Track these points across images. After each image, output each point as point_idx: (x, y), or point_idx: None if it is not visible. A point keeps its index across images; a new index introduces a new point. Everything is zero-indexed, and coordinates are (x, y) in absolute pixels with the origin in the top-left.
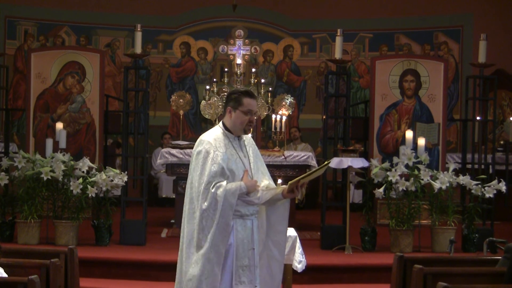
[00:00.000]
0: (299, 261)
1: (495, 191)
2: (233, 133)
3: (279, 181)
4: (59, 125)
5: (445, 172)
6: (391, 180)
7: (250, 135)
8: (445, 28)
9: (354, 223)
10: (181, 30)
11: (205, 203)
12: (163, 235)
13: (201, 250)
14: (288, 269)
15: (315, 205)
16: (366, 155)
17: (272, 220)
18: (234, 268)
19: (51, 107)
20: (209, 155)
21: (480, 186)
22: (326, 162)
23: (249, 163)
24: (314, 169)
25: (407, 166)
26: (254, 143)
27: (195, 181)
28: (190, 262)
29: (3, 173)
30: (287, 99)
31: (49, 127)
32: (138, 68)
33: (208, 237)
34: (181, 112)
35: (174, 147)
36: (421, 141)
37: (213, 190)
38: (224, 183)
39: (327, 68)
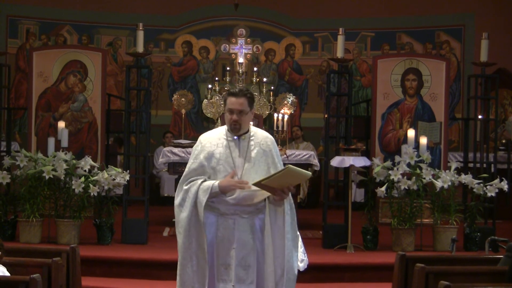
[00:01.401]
0: (301, 260)
1: (497, 190)
2: (231, 133)
3: None
4: (61, 124)
5: (447, 171)
6: (393, 179)
7: (263, 134)
8: (446, 27)
9: (356, 222)
10: (183, 29)
11: (177, 199)
12: (165, 234)
13: (178, 244)
14: None
15: (317, 204)
16: (368, 154)
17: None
18: (216, 266)
19: (53, 106)
20: (194, 152)
21: (482, 185)
22: (285, 167)
23: (244, 164)
24: (274, 173)
25: (409, 165)
26: (268, 143)
27: None
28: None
29: (5, 172)
30: (289, 98)
31: (51, 126)
32: (140, 67)
33: (181, 232)
34: (183, 111)
35: (176, 146)
36: (423, 140)
37: (185, 187)
38: (199, 180)
39: (329, 67)
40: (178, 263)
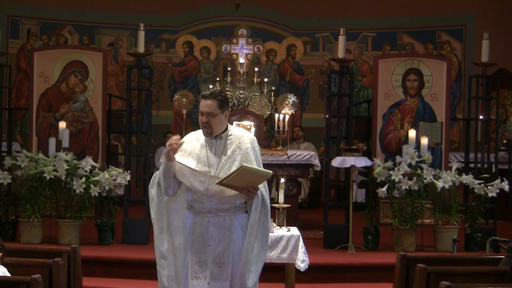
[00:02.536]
0: (302, 260)
1: (498, 190)
2: None
3: (282, 180)
4: (62, 124)
5: (448, 171)
6: (394, 179)
7: (241, 133)
8: (448, 27)
9: (357, 222)
10: (184, 29)
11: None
12: None
13: (154, 227)
14: (291, 268)
15: (318, 204)
16: (369, 154)
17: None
18: (190, 263)
19: (54, 106)
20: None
21: (483, 185)
22: (240, 166)
23: (218, 162)
24: (231, 172)
25: (410, 165)
26: (246, 142)
27: None
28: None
29: (6, 172)
30: (290, 98)
31: (52, 126)
32: (141, 67)
33: (153, 215)
34: (184, 111)
35: None
36: (424, 140)
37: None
38: None
39: (330, 67)
40: (155, 242)
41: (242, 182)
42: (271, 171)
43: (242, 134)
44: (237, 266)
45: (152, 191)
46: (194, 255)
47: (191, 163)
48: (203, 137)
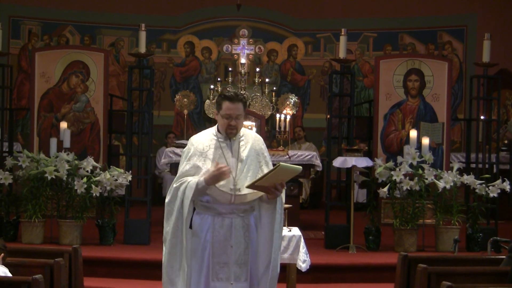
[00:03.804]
0: (303, 260)
1: (499, 191)
2: (222, 134)
3: None
4: (63, 125)
5: (449, 172)
6: (395, 179)
7: (252, 133)
8: (449, 28)
9: (358, 222)
10: (185, 30)
11: (168, 197)
12: None
13: (166, 242)
14: (292, 268)
15: (319, 205)
16: (370, 154)
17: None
18: (211, 265)
19: (55, 106)
20: (187, 154)
21: (484, 185)
22: (276, 165)
23: (237, 164)
24: (266, 173)
25: (411, 165)
26: (259, 142)
27: None
28: (163, 252)
29: (7, 172)
30: (291, 99)
31: (53, 126)
32: (142, 68)
33: (169, 231)
34: (185, 112)
35: (178, 146)
36: (425, 141)
37: (175, 185)
38: (189, 178)
39: (331, 68)
40: (164, 258)
41: (273, 181)
42: (301, 167)
43: (253, 135)
44: (254, 265)
45: (174, 206)
46: (215, 256)
47: (208, 167)
48: (213, 137)
